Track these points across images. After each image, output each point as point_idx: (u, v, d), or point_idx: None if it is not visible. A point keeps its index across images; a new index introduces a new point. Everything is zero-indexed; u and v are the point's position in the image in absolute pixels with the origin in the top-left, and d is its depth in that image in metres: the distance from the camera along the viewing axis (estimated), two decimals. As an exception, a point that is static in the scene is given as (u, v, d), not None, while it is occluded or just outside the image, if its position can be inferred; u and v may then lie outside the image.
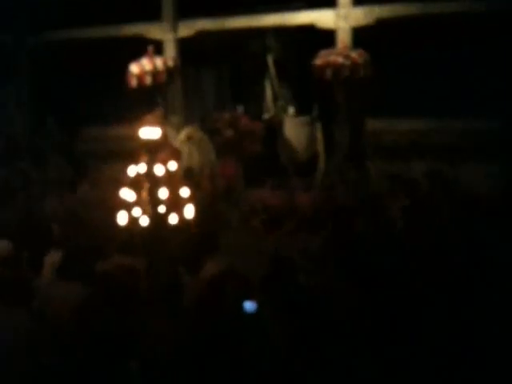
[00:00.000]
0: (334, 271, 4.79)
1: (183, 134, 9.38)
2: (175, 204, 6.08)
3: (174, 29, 10.25)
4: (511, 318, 4.05)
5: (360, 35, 9.33)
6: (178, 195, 6.15)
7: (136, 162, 6.20)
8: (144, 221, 6.11)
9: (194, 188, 7.61)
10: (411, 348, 3.93)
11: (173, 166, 6.47)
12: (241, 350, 3.70)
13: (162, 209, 6.13)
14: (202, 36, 10.33)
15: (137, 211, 6.15)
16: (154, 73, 9.08)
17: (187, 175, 8.28)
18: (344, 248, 5.10)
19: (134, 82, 9.12)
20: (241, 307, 3.78)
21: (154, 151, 6.20)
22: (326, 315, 4.04)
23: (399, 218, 6.31)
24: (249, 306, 3.74)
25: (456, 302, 4.25)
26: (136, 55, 9.34)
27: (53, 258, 5.38)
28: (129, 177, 6.30)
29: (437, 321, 4.10)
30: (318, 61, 8.84)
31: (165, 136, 7.33)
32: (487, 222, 5.81)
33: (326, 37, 9.47)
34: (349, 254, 4.95)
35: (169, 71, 9.25)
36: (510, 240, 5.26)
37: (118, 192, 6.25)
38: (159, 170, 6.28)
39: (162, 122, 8.34)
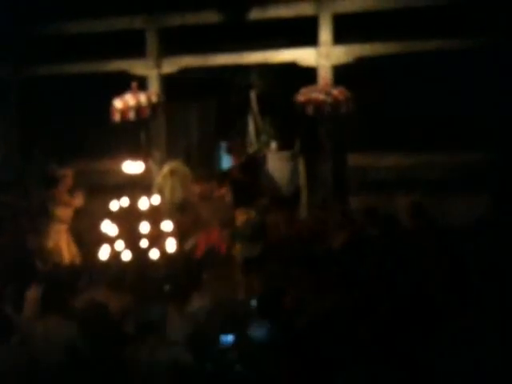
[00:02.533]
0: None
1: (166, 169, 9.43)
2: (157, 238, 6.12)
3: (158, 65, 10.36)
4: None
5: (341, 72, 9.49)
6: (159, 229, 6.19)
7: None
8: (126, 255, 6.13)
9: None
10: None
11: (156, 200, 6.53)
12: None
13: (144, 243, 6.16)
14: (186, 72, 10.45)
15: (119, 245, 6.18)
16: (138, 108, 9.13)
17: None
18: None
19: (117, 117, 9.17)
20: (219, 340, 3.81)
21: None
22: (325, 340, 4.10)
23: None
24: (225, 338, 3.77)
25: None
26: (120, 90, 9.41)
27: (34, 293, 5.36)
28: (111, 211, 6.34)
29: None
30: (300, 97, 8.96)
31: (148, 170, 7.43)
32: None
33: (308, 73, 9.62)
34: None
35: (152, 106, 9.32)
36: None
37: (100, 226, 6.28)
38: (142, 204, 6.34)
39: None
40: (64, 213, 7.88)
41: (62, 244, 7.75)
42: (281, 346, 4.08)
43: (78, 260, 7.86)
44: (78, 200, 8.00)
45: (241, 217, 7.60)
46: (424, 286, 5.21)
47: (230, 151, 11.23)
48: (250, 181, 9.08)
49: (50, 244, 7.70)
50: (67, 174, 8.05)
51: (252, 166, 9.52)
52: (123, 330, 4.63)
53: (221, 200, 8.94)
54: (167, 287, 5.44)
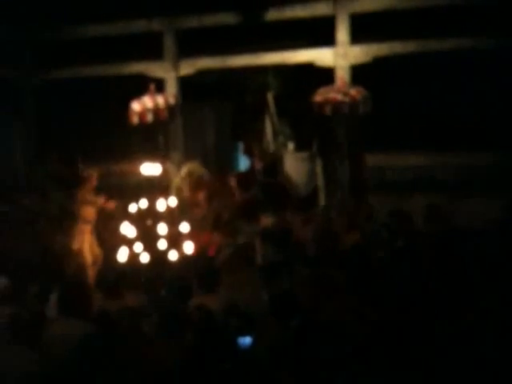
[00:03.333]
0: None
1: (184, 170, 9.45)
2: (175, 240, 6.14)
3: (176, 67, 10.41)
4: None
5: (359, 72, 9.46)
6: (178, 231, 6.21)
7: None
8: (145, 257, 6.16)
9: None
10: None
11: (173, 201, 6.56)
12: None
13: (162, 244, 6.18)
14: (203, 73, 10.48)
15: (138, 247, 6.21)
16: (155, 110, 9.15)
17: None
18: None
19: (135, 119, 9.21)
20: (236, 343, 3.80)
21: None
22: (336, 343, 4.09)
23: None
24: (244, 341, 3.75)
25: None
26: (138, 93, 9.46)
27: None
28: (130, 213, 6.38)
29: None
30: (317, 98, 8.93)
31: (166, 172, 7.45)
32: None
33: (324, 73, 9.61)
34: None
35: (170, 109, 9.34)
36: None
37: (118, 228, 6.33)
38: (160, 205, 6.36)
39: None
40: (88, 213, 7.90)
41: (85, 245, 7.79)
42: (290, 346, 4.07)
43: (100, 261, 7.88)
44: (103, 201, 7.98)
45: (267, 219, 7.51)
46: (430, 288, 5.17)
47: (247, 152, 11.21)
48: (275, 183, 9.08)
49: (76, 245, 7.73)
50: (92, 175, 8.08)
51: (275, 168, 9.51)
52: (141, 330, 4.66)
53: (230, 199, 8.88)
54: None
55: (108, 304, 5.26)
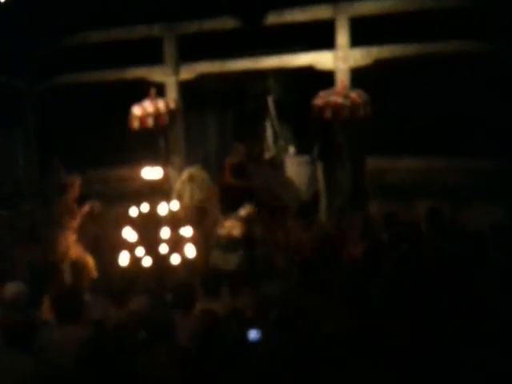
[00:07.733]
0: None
1: (185, 175, 9.44)
2: (177, 244, 6.12)
3: (176, 71, 10.42)
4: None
5: (359, 75, 9.45)
6: (179, 235, 6.19)
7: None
8: (147, 261, 6.14)
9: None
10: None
11: (175, 205, 6.55)
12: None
13: (163, 249, 6.16)
14: (203, 78, 10.49)
15: (139, 251, 6.19)
16: (156, 115, 9.17)
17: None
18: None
19: (136, 124, 9.22)
20: (243, 338, 3.76)
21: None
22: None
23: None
24: (253, 335, 3.71)
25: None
26: (139, 97, 9.46)
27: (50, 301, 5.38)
28: (131, 217, 6.36)
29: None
30: (318, 101, 8.93)
31: (167, 176, 7.43)
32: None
33: (325, 77, 9.61)
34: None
35: (171, 113, 9.35)
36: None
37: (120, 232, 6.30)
38: (162, 209, 6.35)
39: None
40: (69, 221, 7.77)
41: (71, 254, 7.69)
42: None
43: (93, 269, 7.80)
44: (87, 209, 7.85)
45: (228, 224, 7.38)
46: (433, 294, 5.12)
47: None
48: (239, 185, 8.96)
49: (57, 255, 7.64)
50: (74, 183, 7.93)
51: (241, 170, 9.38)
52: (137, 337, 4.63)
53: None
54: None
55: (110, 310, 5.24)
